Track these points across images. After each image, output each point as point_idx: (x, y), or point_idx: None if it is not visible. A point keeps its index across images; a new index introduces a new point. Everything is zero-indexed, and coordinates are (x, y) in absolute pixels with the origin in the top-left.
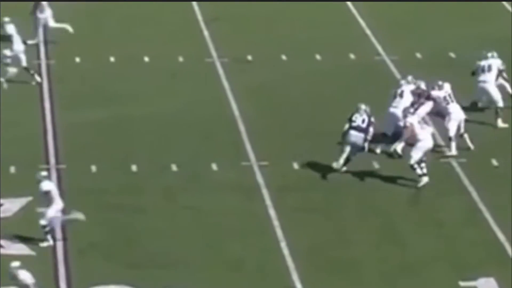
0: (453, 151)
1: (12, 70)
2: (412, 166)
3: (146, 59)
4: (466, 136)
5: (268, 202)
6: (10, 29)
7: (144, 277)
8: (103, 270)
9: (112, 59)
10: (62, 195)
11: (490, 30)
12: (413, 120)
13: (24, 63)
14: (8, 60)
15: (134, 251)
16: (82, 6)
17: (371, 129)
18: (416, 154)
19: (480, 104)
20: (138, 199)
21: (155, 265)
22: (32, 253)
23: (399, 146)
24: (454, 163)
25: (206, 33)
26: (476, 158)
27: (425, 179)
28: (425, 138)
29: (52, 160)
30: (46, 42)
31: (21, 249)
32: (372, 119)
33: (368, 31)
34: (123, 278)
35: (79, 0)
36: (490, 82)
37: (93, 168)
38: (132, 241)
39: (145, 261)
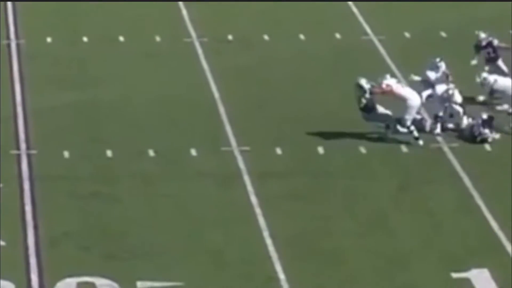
0: None
1: None
2: (409, 128)
3: (121, 39)
4: None
5: (249, 189)
6: None
7: (120, 268)
8: (77, 261)
9: (85, 39)
10: (33, 181)
11: (483, 10)
12: (390, 81)
13: None
14: None
15: (110, 241)
16: None
17: None
18: (409, 115)
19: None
20: (113, 187)
21: (132, 255)
22: (2, 243)
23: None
24: (446, 148)
25: (184, 11)
26: (468, 143)
27: (421, 142)
28: (411, 95)
29: (22, 145)
30: (15, 21)
31: None
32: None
33: (354, 9)
34: (98, 269)
35: None
36: None
37: (66, 153)
38: (108, 230)
39: (121, 252)
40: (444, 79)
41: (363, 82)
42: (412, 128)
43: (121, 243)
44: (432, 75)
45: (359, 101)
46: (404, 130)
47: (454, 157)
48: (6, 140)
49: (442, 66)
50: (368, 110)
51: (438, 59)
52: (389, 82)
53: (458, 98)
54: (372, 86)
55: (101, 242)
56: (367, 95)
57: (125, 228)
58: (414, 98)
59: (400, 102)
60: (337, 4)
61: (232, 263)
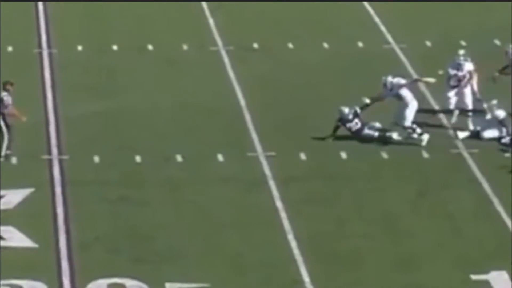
0: None
1: None
2: (411, 127)
3: (150, 47)
4: None
5: (274, 193)
6: None
7: (148, 271)
8: (107, 264)
9: (114, 47)
10: (64, 186)
11: (501, 17)
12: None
13: None
14: None
15: (138, 244)
16: None
17: None
18: (411, 115)
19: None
20: (142, 191)
21: (159, 258)
22: (35, 245)
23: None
24: (465, 154)
25: (211, 20)
26: (487, 149)
27: (426, 136)
28: (413, 97)
29: (54, 150)
30: (47, 30)
31: (23, 241)
32: None
33: (376, 19)
34: (127, 272)
35: None
36: None
37: (96, 159)
38: (136, 234)
39: (149, 255)
40: (468, 78)
41: (344, 111)
42: (415, 126)
43: (149, 247)
44: (453, 73)
45: (335, 127)
46: (409, 130)
47: (474, 163)
48: (38, 145)
49: (466, 64)
50: (357, 133)
51: (462, 57)
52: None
53: (500, 113)
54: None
55: (130, 246)
56: (348, 123)
57: (153, 232)
58: (415, 101)
59: (402, 102)
60: (359, 14)
61: (257, 266)
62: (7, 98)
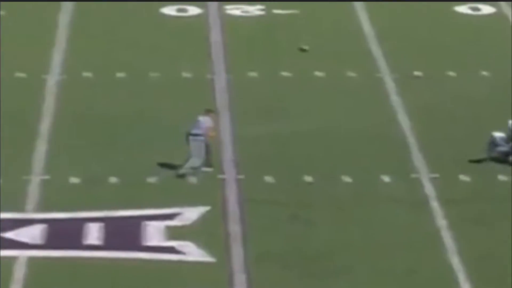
0: None
1: None
2: None
3: (318, 74)
4: None
5: (439, 214)
6: None
7: (319, 286)
8: (279, 279)
9: (284, 73)
10: (239, 204)
11: None
12: None
13: None
14: None
15: (308, 261)
16: (255, 20)
17: None
18: None
19: None
20: (311, 211)
21: (329, 275)
22: (212, 259)
23: None
24: None
25: (376, 48)
26: None
27: None
28: None
29: (230, 170)
30: (225, 57)
31: (201, 255)
32: None
33: None
34: (298, 286)
35: None
36: None
37: (269, 179)
38: (306, 251)
39: (319, 271)
40: None
41: (496, 136)
42: None
43: (318, 263)
44: None
45: (490, 153)
46: None
47: None
48: (214, 165)
49: None
50: (504, 155)
51: None
52: None
53: None
54: None
55: (300, 262)
56: (498, 148)
57: (322, 249)
58: None
59: None
60: None
61: (422, 284)
62: (204, 120)
